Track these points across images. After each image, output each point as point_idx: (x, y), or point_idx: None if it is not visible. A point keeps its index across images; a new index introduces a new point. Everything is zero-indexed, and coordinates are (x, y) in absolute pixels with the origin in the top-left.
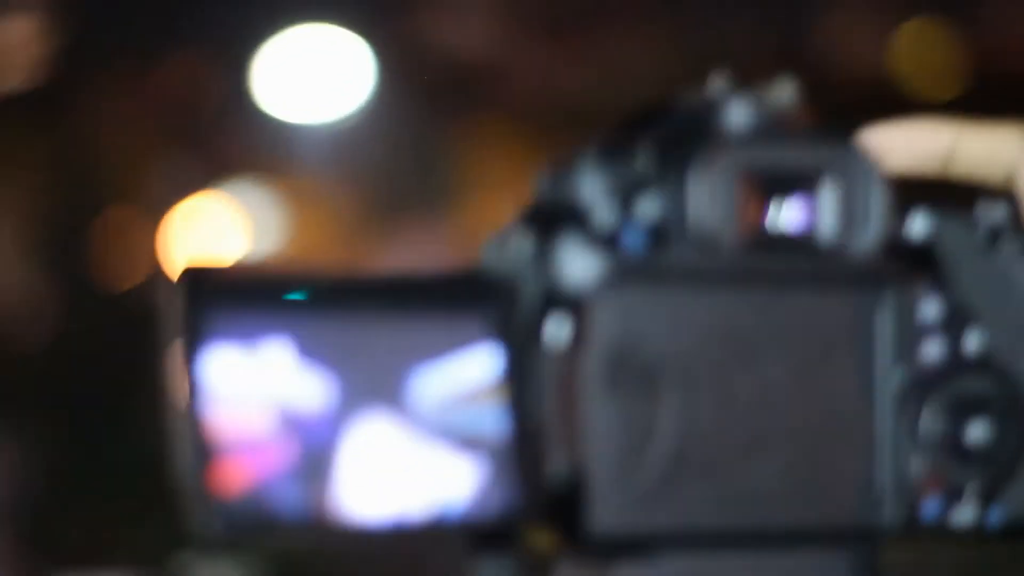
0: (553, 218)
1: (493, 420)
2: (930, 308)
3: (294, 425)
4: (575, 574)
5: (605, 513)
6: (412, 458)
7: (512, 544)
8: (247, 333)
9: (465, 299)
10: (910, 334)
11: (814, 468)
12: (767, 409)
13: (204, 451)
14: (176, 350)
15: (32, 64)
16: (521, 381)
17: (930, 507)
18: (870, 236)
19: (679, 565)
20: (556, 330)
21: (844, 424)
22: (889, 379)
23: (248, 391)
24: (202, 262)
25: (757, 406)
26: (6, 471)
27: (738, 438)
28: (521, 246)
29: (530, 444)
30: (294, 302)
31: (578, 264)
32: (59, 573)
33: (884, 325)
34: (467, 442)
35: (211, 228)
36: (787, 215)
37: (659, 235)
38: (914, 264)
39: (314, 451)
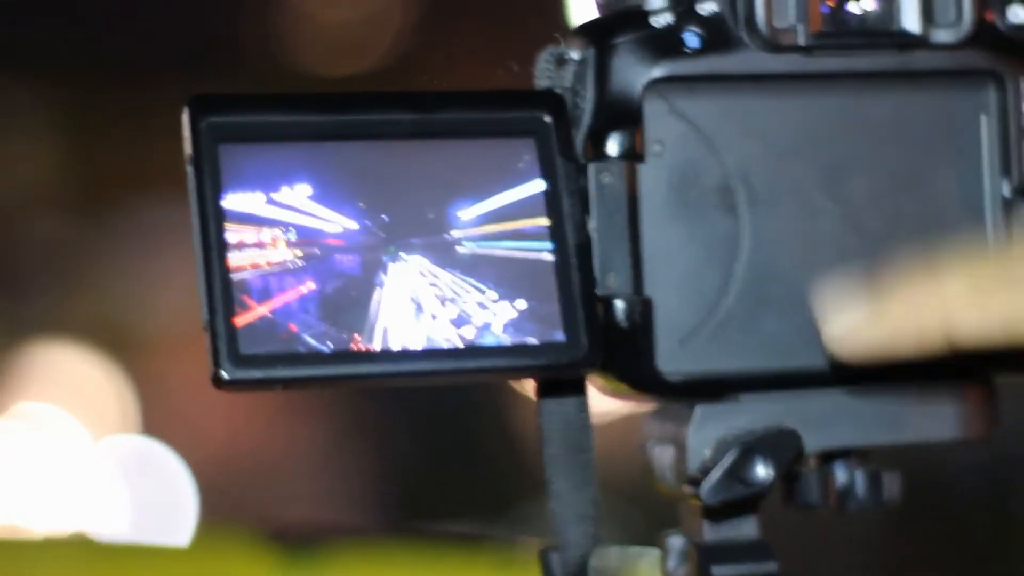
0: (610, 23)
1: (538, 245)
2: None
3: (320, 262)
4: (660, 429)
5: (674, 351)
6: (451, 291)
7: (574, 383)
8: (266, 171)
9: (510, 117)
10: (1017, 137)
11: None
12: (856, 229)
13: (227, 289)
14: (195, 190)
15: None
16: (571, 203)
17: None
18: (963, 25)
19: (766, 409)
20: (613, 145)
21: (949, 243)
22: (996, 191)
23: (270, 230)
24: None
25: (845, 226)
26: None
27: (826, 264)
28: (577, 54)
29: (579, 271)
30: (316, 135)
31: (637, 69)
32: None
33: (987, 128)
34: (510, 271)
35: None
36: (863, 4)
37: (724, 35)
38: (1017, 57)
39: (343, 287)
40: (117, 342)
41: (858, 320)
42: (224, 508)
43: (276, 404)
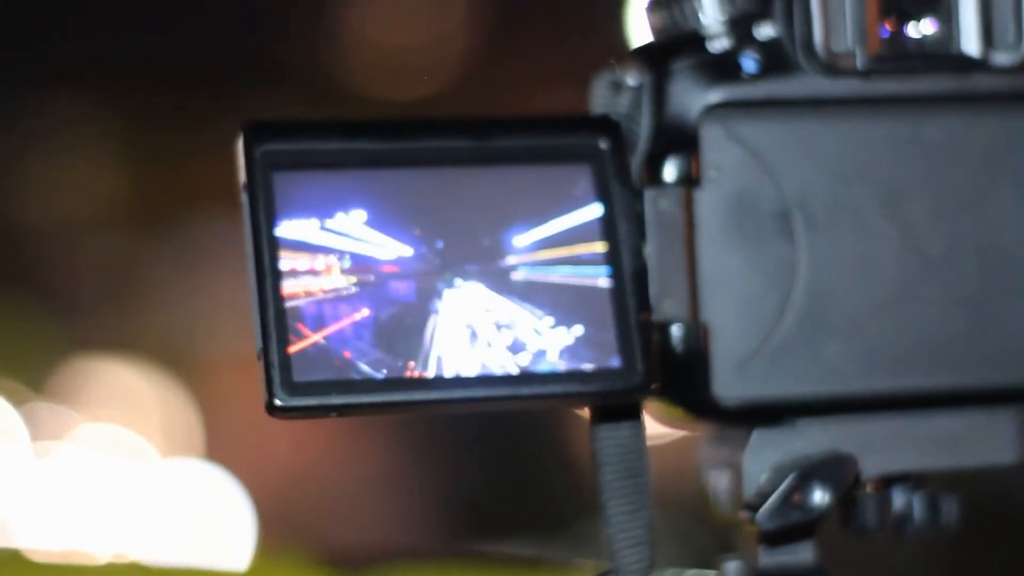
0: (667, 48)
1: (594, 271)
2: None
3: (375, 289)
4: (717, 454)
5: (731, 376)
6: (506, 317)
7: (629, 409)
8: (321, 198)
9: (566, 143)
10: None
11: (975, 320)
12: (916, 252)
13: (281, 317)
14: (249, 218)
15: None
16: (627, 228)
17: None
18: (1022, 47)
19: (823, 434)
20: (670, 170)
21: (1010, 266)
22: None
23: (324, 257)
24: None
25: (904, 249)
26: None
27: (883, 289)
28: (634, 80)
29: (636, 297)
30: (371, 162)
31: (693, 94)
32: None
33: None
34: (566, 297)
35: None
36: (922, 28)
37: (782, 59)
38: None
39: (398, 314)
40: (180, 362)
41: None
42: (284, 529)
43: (338, 426)
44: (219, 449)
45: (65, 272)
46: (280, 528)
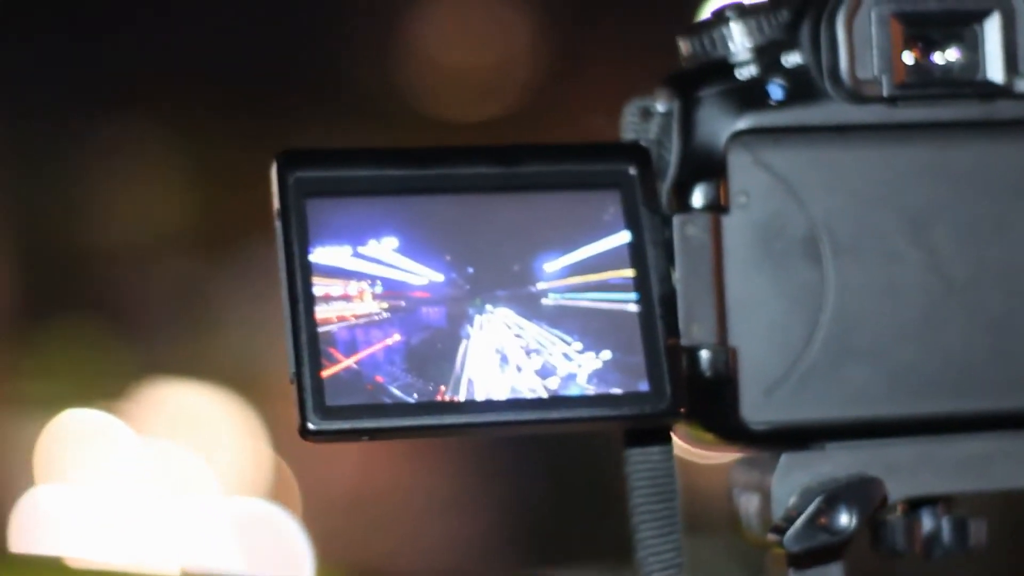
0: (695, 76)
1: (623, 297)
2: None
3: (407, 314)
4: (746, 478)
5: (759, 401)
6: (536, 342)
7: (659, 433)
8: (353, 224)
9: (595, 169)
10: None
11: (1001, 344)
12: (941, 277)
13: (314, 342)
14: (282, 244)
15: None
16: (656, 254)
17: None
18: None
19: (850, 458)
20: (698, 197)
21: None
22: None
23: (357, 283)
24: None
25: (930, 274)
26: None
27: (910, 313)
28: (663, 107)
29: (664, 322)
30: (402, 189)
31: (721, 121)
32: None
33: None
34: (595, 322)
35: None
36: (947, 55)
37: (808, 87)
38: None
39: (429, 339)
40: (245, 385)
41: None
42: (347, 550)
43: (403, 447)
44: (285, 470)
45: (135, 295)
46: (342, 550)
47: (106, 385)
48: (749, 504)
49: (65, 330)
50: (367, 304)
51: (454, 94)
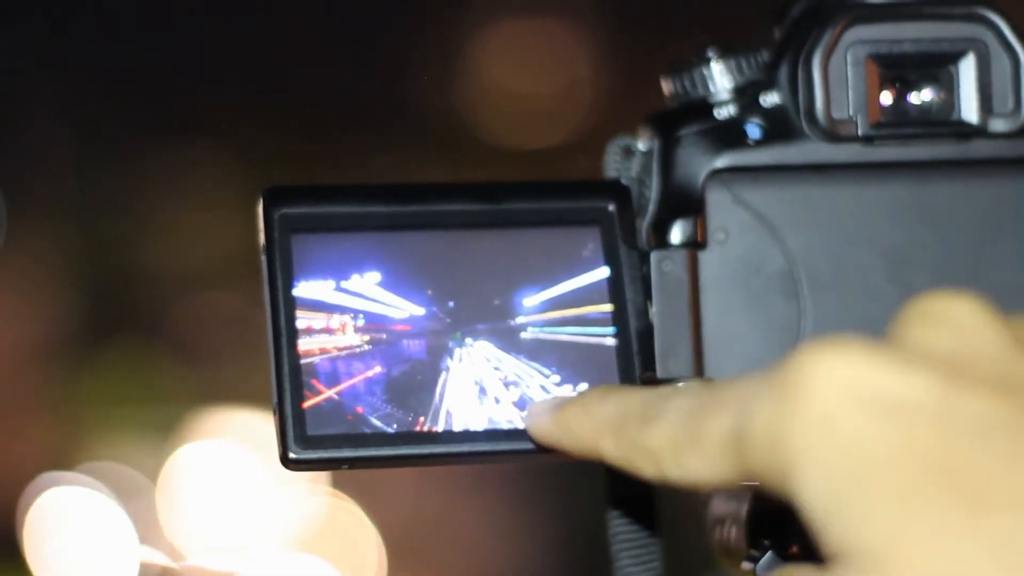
0: (675, 116)
1: (601, 331)
2: None
3: (388, 347)
4: (725, 508)
5: None
6: (514, 375)
7: None
8: (337, 259)
9: (576, 206)
10: None
11: None
12: None
13: (296, 374)
14: (267, 278)
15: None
16: (634, 289)
17: None
18: (1021, 114)
19: None
20: (676, 233)
21: None
22: None
23: (339, 316)
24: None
25: None
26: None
27: None
28: (644, 145)
29: (640, 355)
30: (385, 225)
31: (700, 160)
32: None
33: None
34: (573, 355)
35: None
36: (922, 96)
37: (785, 126)
38: None
39: (409, 371)
40: None
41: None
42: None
43: (462, 472)
44: (347, 492)
45: (193, 320)
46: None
47: (162, 408)
48: (726, 533)
49: (125, 354)
50: (349, 337)
51: (516, 122)
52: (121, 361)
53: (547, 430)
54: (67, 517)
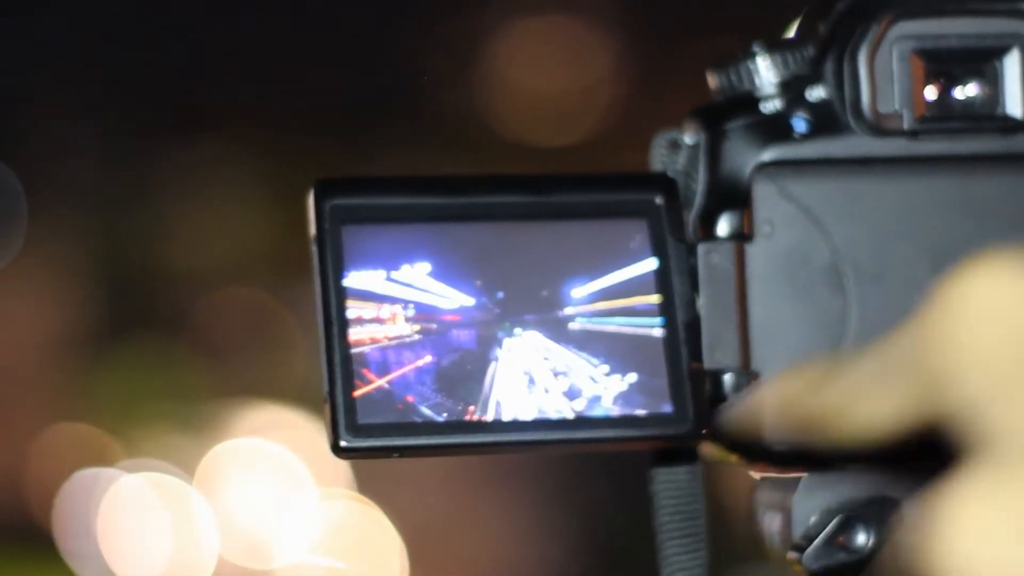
0: (722, 109)
1: (648, 322)
2: None
3: (437, 337)
4: (770, 498)
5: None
6: (563, 365)
7: (685, 453)
8: (387, 250)
9: (623, 199)
10: None
11: None
12: None
13: (347, 363)
14: (318, 269)
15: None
16: (681, 281)
17: None
18: None
19: (870, 479)
20: (723, 226)
21: None
22: None
23: (390, 306)
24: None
25: None
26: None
27: None
28: (690, 139)
29: (688, 346)
30: (435, 216)
31: (747, 153)
32: None
33: None
34: (621, 346)
35: None
36: (967, 91)
37: (831, 120)
38: None
39: (459, 360)
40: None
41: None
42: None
43: (483, 468)
44: (369, 489)
45: (215, 317)
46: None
47: (184, 406)
48: (772, 523)
49: (144, 350)
50: (399, 327)
51: (536, 119)
52: (146, 357)
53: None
54: (134, 508)
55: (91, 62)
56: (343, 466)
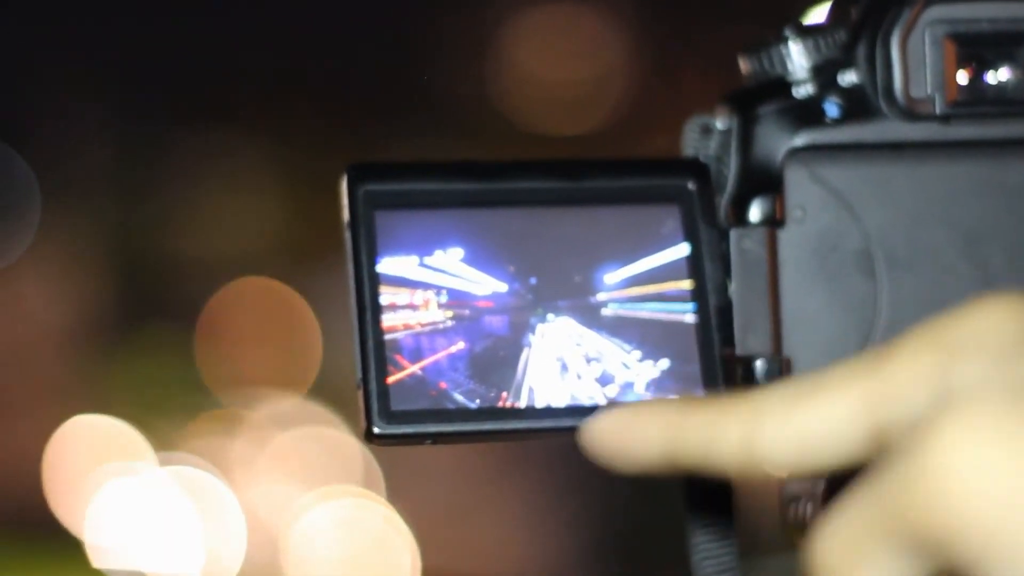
0: (754, 94)
1: (680, 308)
2: None
3: (470, 323)
4: (802, 485)
5: None
6: (596, 351)
7: None
8: (420, 236)
9: (656, 184)
10: None
11: None
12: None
13: (380, 349)
14: (351, 255)
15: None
16: (713, 267)
17: None
18: None
19: None
20: (755, 211)
21: None
22: None
23: (423, 292)
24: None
25: (983, 289)
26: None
27: None
28: (722, 124)
29: (720, 332)
30: (468, 202)
31: (779, 138)
32: None
33: None
34: (653, 332)
35: None
36: (999, 75)
37: (863, 105)
38: None
39: (492, 347)
40: (337, 397)
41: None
42: (443, 560)
43: (495, 457)
44: (378, 480)
45: (224, 306)
46: (439, 558)
47: (189, 395)
48: (802, 511)
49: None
50: (432, 313)
51: (549, 108)
52: (161, 347)
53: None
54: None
55: (104, 49)
56: (358, 460)
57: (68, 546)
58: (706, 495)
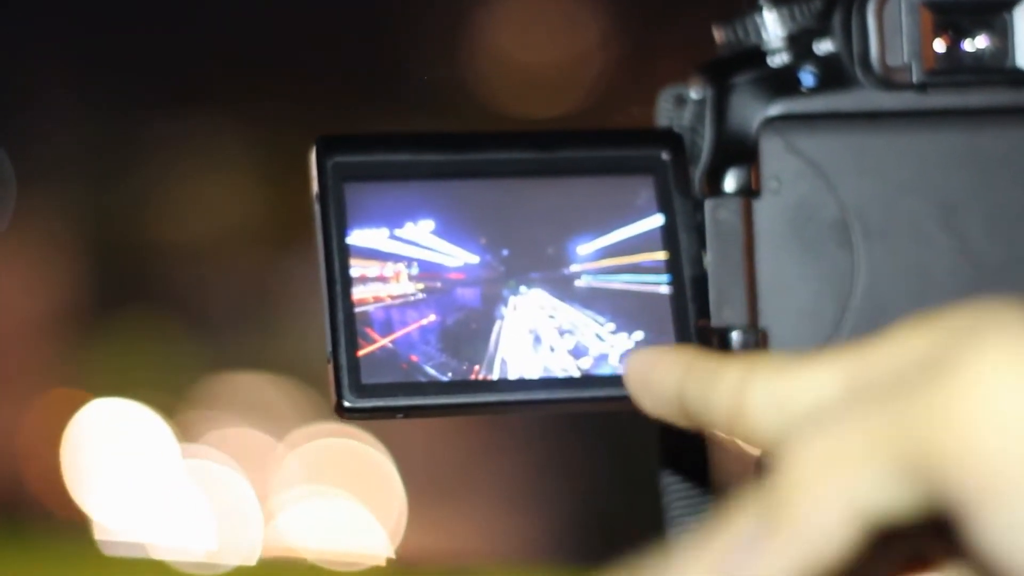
0: (728, 64)
1: (655, 279)
2: None
3: (442, 295)
4: None
5: None
6: (569, 323)
7: None
8: (390, 207)
9: (629, 155)
10: None
11: None
12: (971, 263)
13: (351, 322)
14: (320, 227)
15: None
16: (688, 238)
17: None
18: None
19: None
20: (730, 182)
21: None
22: None
23: (393, 264)
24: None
25: (960, 260)
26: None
27: (939, 298)
28: (696, 94)
29: (695, 303)
30: (439, 173)
31: (753, 107)
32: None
33: None
34: (627, 303)
35: None
36: (976, 43)
37: (839, 73)
38: None
39: (463, 319)
40: (316, 378)
41: None
42: (422, 539)
43: (480, 436)
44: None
45: (204, 289)
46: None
47: (172, 377)
48: None
49: (136, 323)
50: (403, 285)
51: (523, 89)
52: (138, 329)
53: None
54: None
55: (78, 33)
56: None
57: (47, 531)
58: (682, 470)
